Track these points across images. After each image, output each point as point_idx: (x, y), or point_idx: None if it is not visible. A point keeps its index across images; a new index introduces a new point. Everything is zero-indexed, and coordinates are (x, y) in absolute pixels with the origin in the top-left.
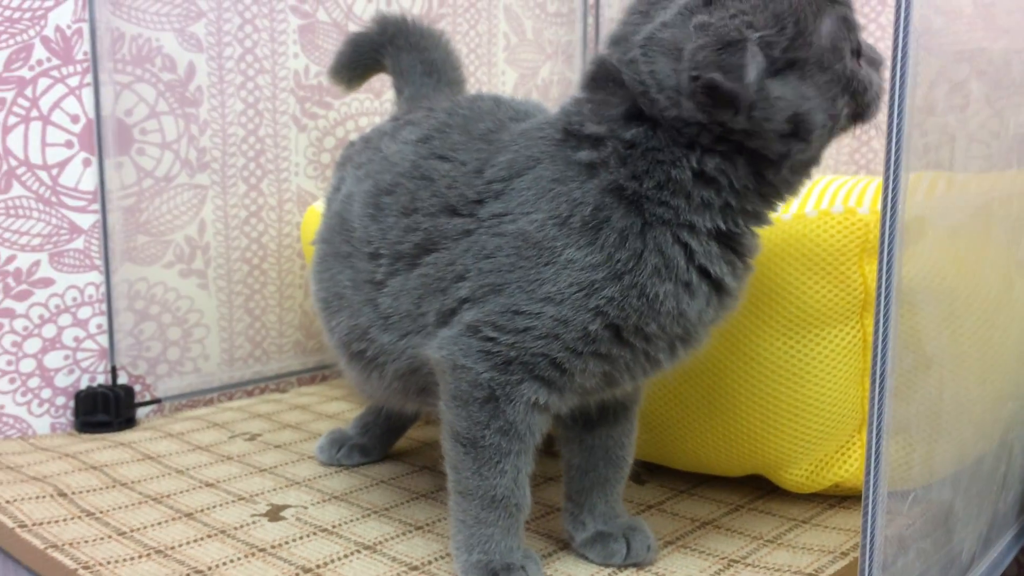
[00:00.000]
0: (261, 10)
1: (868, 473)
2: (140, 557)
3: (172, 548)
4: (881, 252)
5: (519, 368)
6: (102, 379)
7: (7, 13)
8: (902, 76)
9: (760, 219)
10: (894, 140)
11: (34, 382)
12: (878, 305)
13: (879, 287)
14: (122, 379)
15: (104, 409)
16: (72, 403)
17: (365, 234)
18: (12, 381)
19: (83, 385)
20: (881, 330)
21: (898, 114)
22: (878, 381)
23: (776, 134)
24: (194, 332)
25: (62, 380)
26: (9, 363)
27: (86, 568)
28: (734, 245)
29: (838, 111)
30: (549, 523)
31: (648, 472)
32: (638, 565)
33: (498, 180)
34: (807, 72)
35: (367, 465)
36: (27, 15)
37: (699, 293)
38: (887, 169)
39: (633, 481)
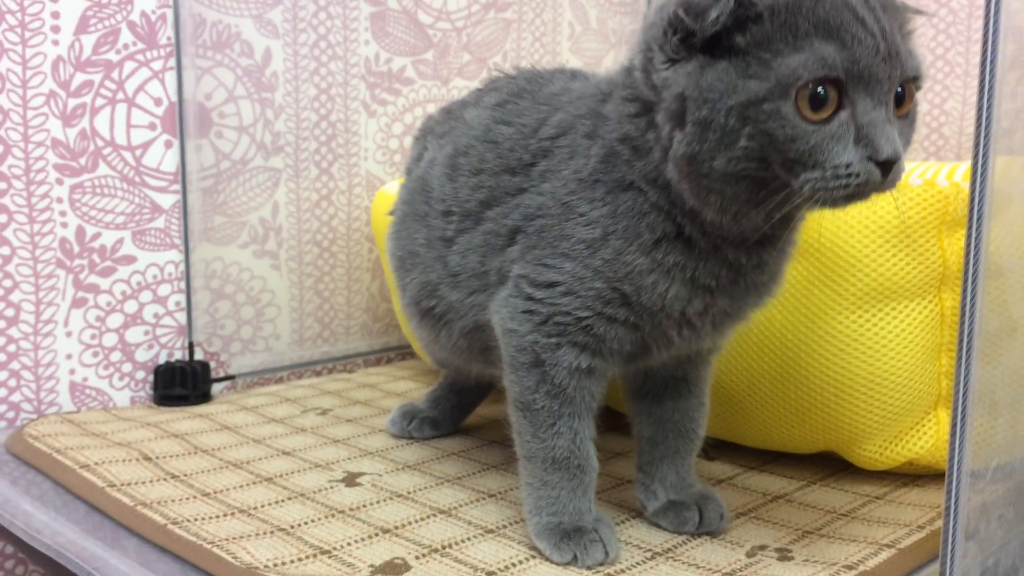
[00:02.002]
0: None
1: (953, 438)
2: (225, 515)
3: (255, 508)
4: (970, 219)
5: (555, 330)
6: (180, 355)
7: None
8: (993, 55)
9: (722, 234)
10: (984, 115)
11: (115, 356)
12: (966, 269)
13: (967, 253)
14: (198, 355)
15: (182, 383)
16: (151, 377)
17: (441, 193)
18: (95, 355)
19: (161, 360)
20: (969, 292)
21: (989, 93)
22: (965, 345)
23: (666, 113)
24: (266, 312)
25: (142, 355)
26: (92, 337)
27: (175, 524)
28: (723, 250)
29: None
30: (621, 493)
31: (716, 449)
32: (711, 534)
33: (547, 138)
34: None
35: (438, 438)
36: (115, 1)
37: (676, 280)
38: (977, 136)
39: (703, 456)
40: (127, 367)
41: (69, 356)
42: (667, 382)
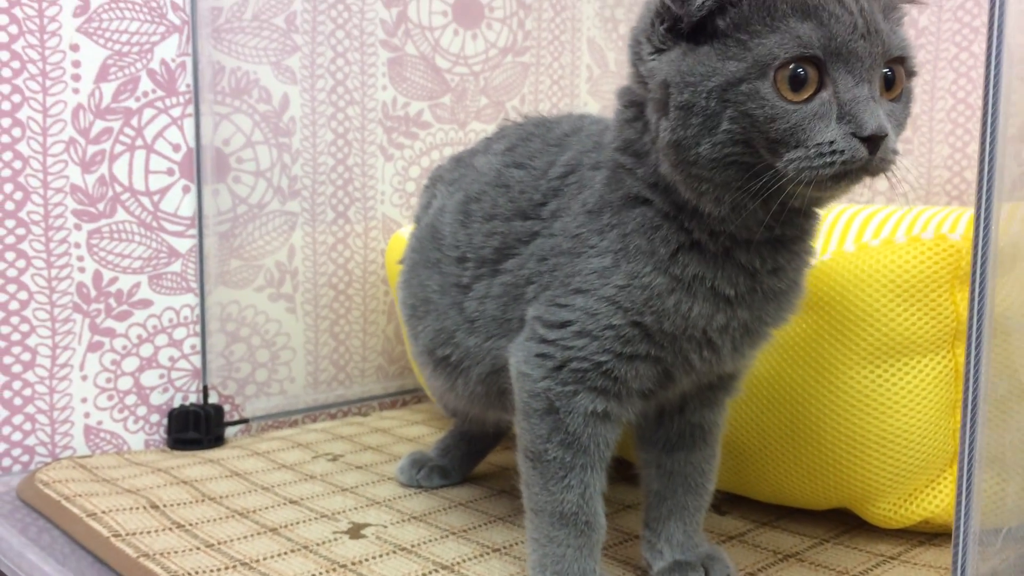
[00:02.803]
0: (352, 44)
1: (959, 501)
2: (226, 569)
3: (257, 561)
4: (973, 277)
5: (571, 377)
6: (195, 398)
7: (116, 47)
8: (995, 103)
9: (730, 236)
10: (986, 167)
11: (131, 399)
12: (970, 330)
13: (971, 313)
14: (213, 399)
15: (195, 427)
16: (165, 420)
17: (454, 240)
18: (111, 398)
19: (176, 403)
20: (973, 356)
21: (991, 141)
22: (970, 408)
23: (653, 103)
24: (281, 355)
25: (157, 398)
26: (108, 380)
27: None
28: (735, 253)
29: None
30: (627, 550)
31: (729, 503)
32: None
33: (557, 178)
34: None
35: (446, 488)
36: (135, 49)
37: (699, 295)
38: (979, 194)
39: (714, 511)
40: (142, 410)
41: (84, 400)
42: (682, 431)
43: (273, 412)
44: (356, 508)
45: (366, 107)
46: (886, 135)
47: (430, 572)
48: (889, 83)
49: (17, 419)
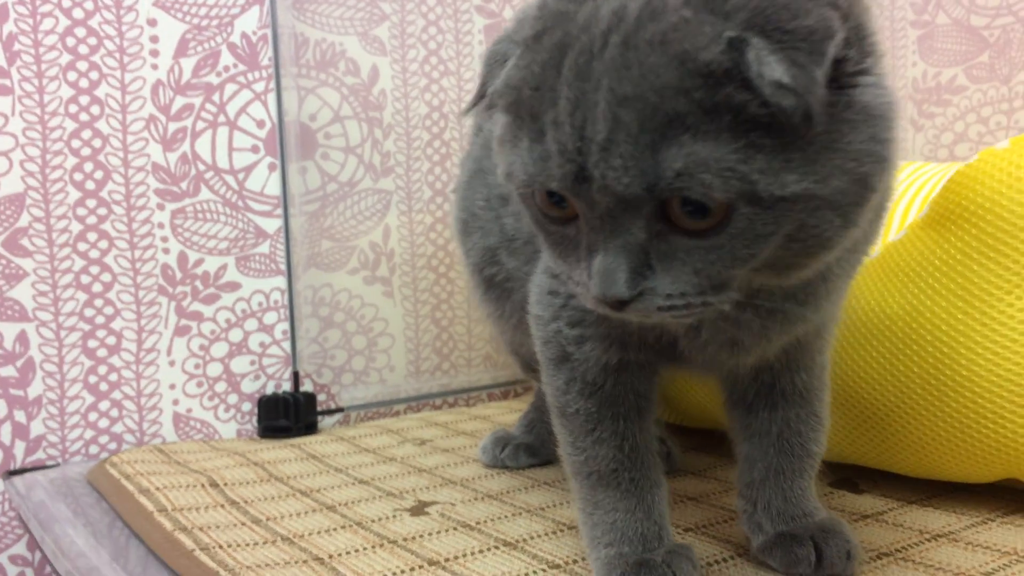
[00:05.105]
0: (445, 11)
1: None
2: (265, 543)
3: (300, 536)
4: None
5: (576, 317)
6: (287, 386)
7: (195, 21)
8: None
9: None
10: None
11: (221, 386)
12: None
13: None
14: (307, 387)
15: (285, 414)
16: (257, 409)
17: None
18: (199, 385)
19: (268, 391)
20: None
21: None
22: None
23: None
24: (379, 342)
25: (248, 386)
26: (196, 367)
27: (204, 549)
28: None
29: None
30: (730, 528)
31: (867, 480)
32: None
33: None
34: None
35: (535, 468)
36: (214, 22)
37: None
38: None
39: (847, 488)
40: (233, 398)
41: (172, 386)
42: (758, 390)
43: (372, 402)
44: (428, 487)
45: (463, 77)
46: (625, 300)
47: (489, 548)
48: (696, 213)
49: (103, 405)
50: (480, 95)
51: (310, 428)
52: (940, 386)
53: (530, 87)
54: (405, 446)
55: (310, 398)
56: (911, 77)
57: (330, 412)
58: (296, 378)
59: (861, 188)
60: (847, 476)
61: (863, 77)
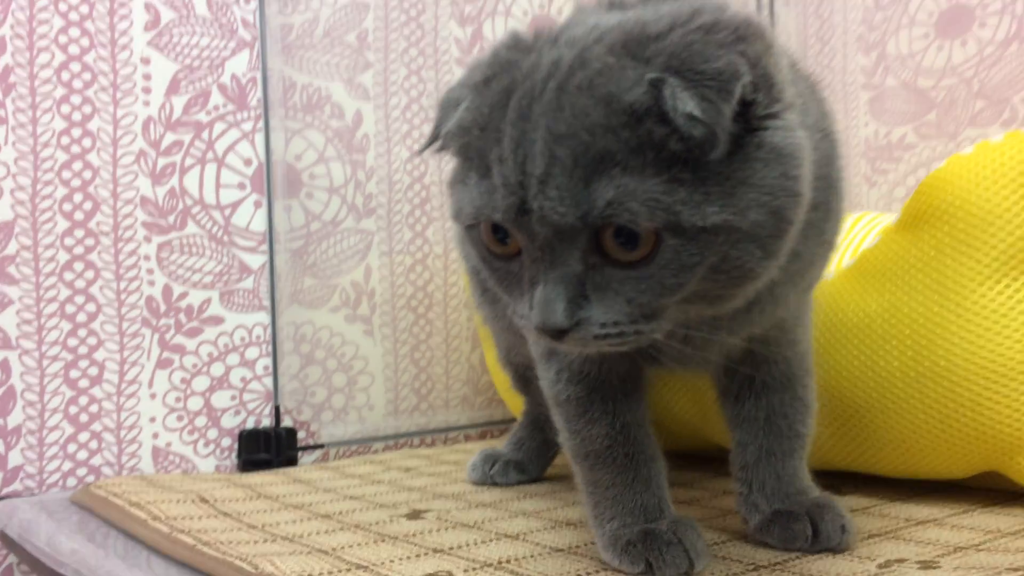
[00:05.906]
0: (427, 62)
1: None
2: (264, 542)
3: (300, 536)
4: None
5: None
6: (268, 422)
7: (187, 61)
8: None
9: None
10: None
11: (201, 421)
12: None
13: None
14: (287, 423)
15: (266, 447)
16: (237, 445)
17: None
18: (180, 419)
19: (249, 426)
20: None
21: None
22: None
23: None
24: (359, 380)
25: (228, 421)
26: (177, 400)
27: (206, 544)
28: None
29: None
30: (727, 520)
31: (850, 484)
32: (831, 551)
33: None
34: None
35: (522, 485)
36: (206, 63)
37: None
38: None
39: (830, 490)
40: (212, 433)
41: (153, 419)
42: (742, 381)
43: (352, 439)
44: (420, 499)
45: None
46: (564, 329)
47: (491, 540)
48: (627, 244)
49: (83, 436)
50: (435, 136)
51: (290, 463)
52: (919, 378)
53: (479, 127)
54: (391, 472)
55: (291, 433)
56: (864, 136)
57: (310, 448)
58: (278, 413)
59: (777, 220)
60: (830, 483)
61: (772, 120)
